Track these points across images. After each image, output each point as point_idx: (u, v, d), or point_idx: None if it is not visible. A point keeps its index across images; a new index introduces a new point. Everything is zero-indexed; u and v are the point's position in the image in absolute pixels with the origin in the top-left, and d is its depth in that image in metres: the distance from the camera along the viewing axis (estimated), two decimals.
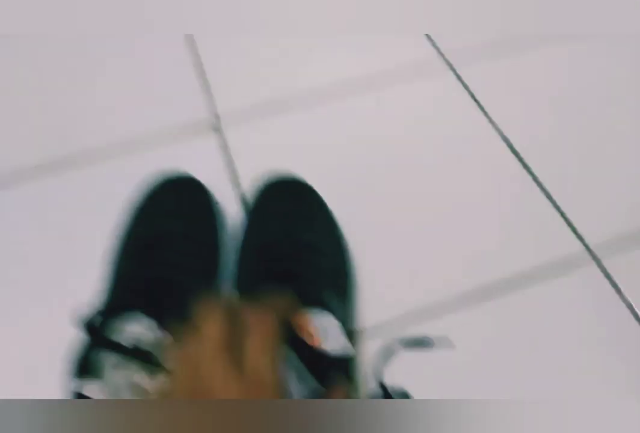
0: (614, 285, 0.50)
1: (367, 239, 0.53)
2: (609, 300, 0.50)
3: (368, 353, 0.47)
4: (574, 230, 0.54)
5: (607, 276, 0.51)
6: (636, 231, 0.54)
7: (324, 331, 0.38)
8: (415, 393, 0.40)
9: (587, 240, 0.53)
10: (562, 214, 0.55)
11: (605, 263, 0.52)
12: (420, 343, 0.47)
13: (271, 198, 0.51)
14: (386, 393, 0.41)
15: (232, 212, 0.54)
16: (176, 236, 0.47)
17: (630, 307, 0.49)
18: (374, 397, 0.42)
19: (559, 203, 0.55)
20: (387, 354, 0.46)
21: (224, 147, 0.60)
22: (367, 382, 0.45)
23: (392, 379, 0.41)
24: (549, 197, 0.56)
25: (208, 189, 0.52)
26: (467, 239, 0.53)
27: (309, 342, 0.36)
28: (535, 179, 0.57)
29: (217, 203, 0.53)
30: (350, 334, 0.43)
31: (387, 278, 0.51)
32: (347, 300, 0.47)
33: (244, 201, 0.55)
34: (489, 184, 0.57)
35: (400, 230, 0.54)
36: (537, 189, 0.56)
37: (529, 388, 0.45)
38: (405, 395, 0.40)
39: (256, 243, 0.48)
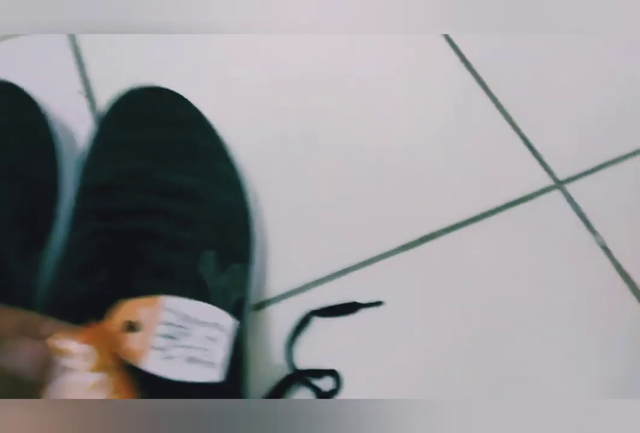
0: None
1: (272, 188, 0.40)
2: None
3: (273, 330, 0.35)
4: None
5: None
6: None
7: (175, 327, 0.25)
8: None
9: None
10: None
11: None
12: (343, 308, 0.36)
13: (125, 113, 0.34)
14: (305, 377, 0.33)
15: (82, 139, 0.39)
16: None
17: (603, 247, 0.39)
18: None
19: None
20: (299, 329, 0.35)
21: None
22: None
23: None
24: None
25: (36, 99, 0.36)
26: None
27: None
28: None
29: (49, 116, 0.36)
30: (239, 308, 0.30)
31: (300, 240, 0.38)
32: (243, 262, 0.33)
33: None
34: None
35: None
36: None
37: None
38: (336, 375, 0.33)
39: (90, 188, 0.32)
